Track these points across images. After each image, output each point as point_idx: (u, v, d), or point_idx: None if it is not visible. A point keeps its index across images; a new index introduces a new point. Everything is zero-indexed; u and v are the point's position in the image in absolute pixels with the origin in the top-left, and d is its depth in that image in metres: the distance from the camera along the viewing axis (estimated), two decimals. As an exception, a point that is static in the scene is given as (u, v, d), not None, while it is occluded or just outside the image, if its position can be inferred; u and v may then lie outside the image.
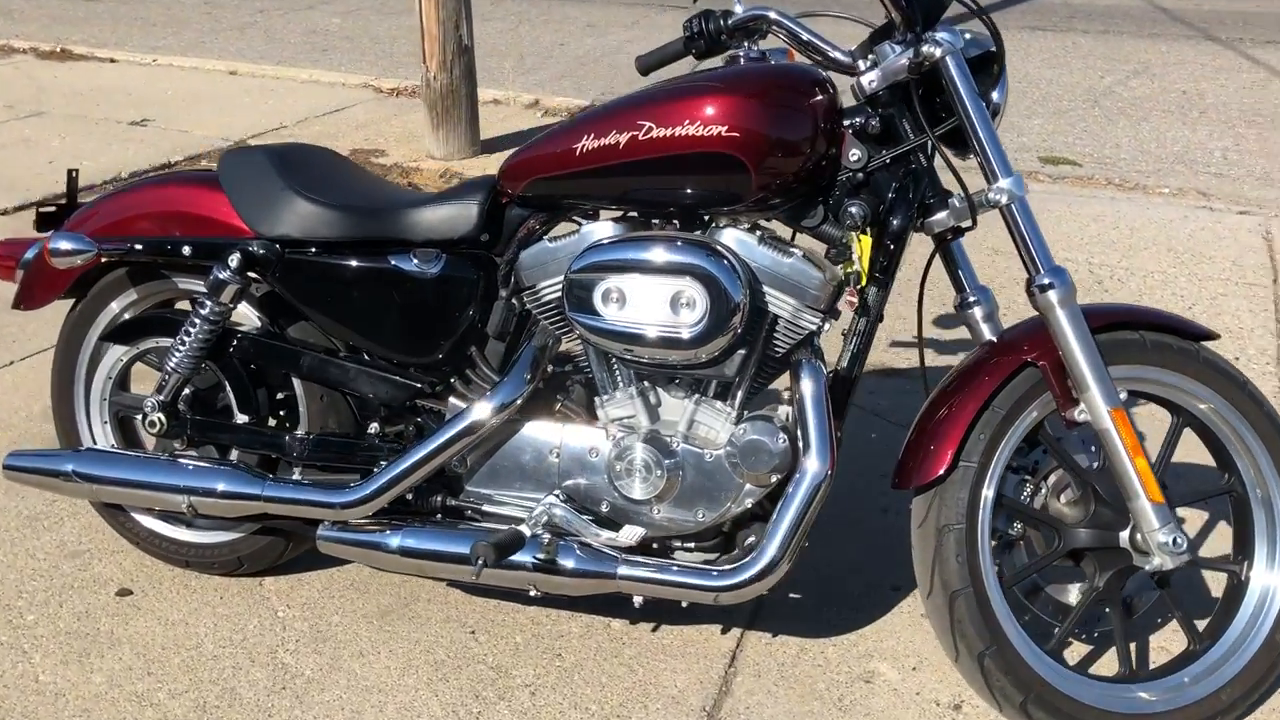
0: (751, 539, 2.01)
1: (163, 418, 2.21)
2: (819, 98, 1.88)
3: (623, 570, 1.97)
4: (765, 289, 1.91)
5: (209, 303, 2.16)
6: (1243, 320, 3.74)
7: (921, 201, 1.94)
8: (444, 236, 2.09)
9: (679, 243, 1.91)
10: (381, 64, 7.54)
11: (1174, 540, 1.84)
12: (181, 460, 2.20)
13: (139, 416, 2.26)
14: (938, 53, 1.85)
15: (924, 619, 2.34)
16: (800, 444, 1.92)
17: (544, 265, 2.03)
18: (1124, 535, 1.90)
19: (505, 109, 6.12)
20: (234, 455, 2.27)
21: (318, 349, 2.21)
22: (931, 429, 1.91)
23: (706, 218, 1.99)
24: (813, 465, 1.90)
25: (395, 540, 2.06)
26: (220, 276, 2.14)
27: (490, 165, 5.25)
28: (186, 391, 2.24)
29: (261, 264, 2.13)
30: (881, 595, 2.39)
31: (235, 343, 2.21)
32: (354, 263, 2.11)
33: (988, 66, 1.91)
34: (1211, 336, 1.96)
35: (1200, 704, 1.92)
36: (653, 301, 1.90)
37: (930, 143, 1.91)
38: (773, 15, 2.07)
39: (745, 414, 2.00)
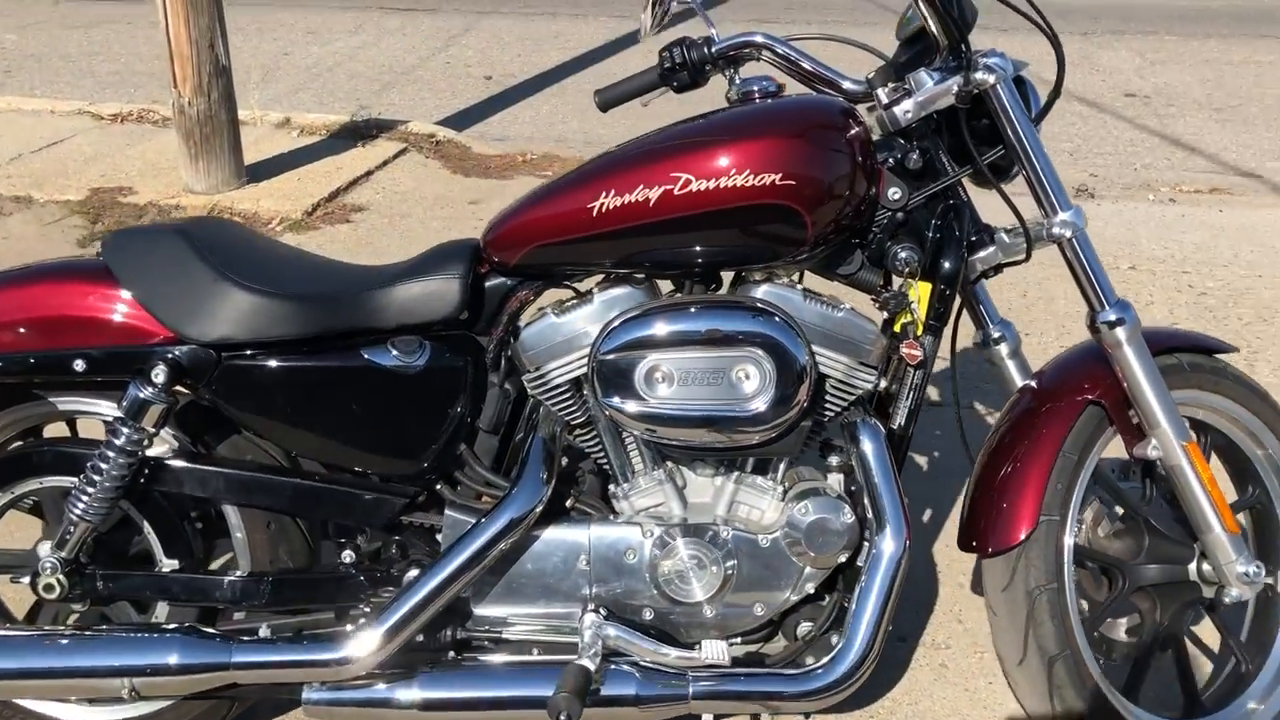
0: (807, 627, 1.81)
1: (63, 579, 1.74)
2: (856, 131, 1.70)
3: (696, 688, 1.71)
4: (818, 349, 1.70)
5: (125, 430, 1.70)
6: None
7: (966, 239, 1.80)
8: (420, 320, 1.74)
9: (730, 306, 1.67)
10: (86, 85, 6.67)
11: (1251, 570, 1.80)
12: (114, 633, 1.72)
13: (25, 579, 1.77)
14: (991, 79, 1.70)
15: (943, 669, 2.23)
16: (869, 516, 1.74)
17: (553, 344, 1.74)
18: (1192, 568, 1.85)
19: (254, 130, 5.53)
20: (159, 613, 1.83)
21: (268, 469, 1.81)
22: (1003, 486, 1.77)
23: (733, 275, 1.77)
24: (889, 543, 1.71)
25: (413, 693, 1.69)
26: (141, 396, 1.69)
27: (262, 196, 4.72)
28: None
29: (193, 375, 1.70)
30: (890, 648, 2.25)
31: (157, 472, 1.76)
32: (318, 362, 1.72)
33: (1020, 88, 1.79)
34: (1231, 350, 1.95)
35: None
36: (710, 377, 1.65)
37: (978, 174, 1.78)
38: (762, 40, 1.86)
39: (790, 488, 1.79)
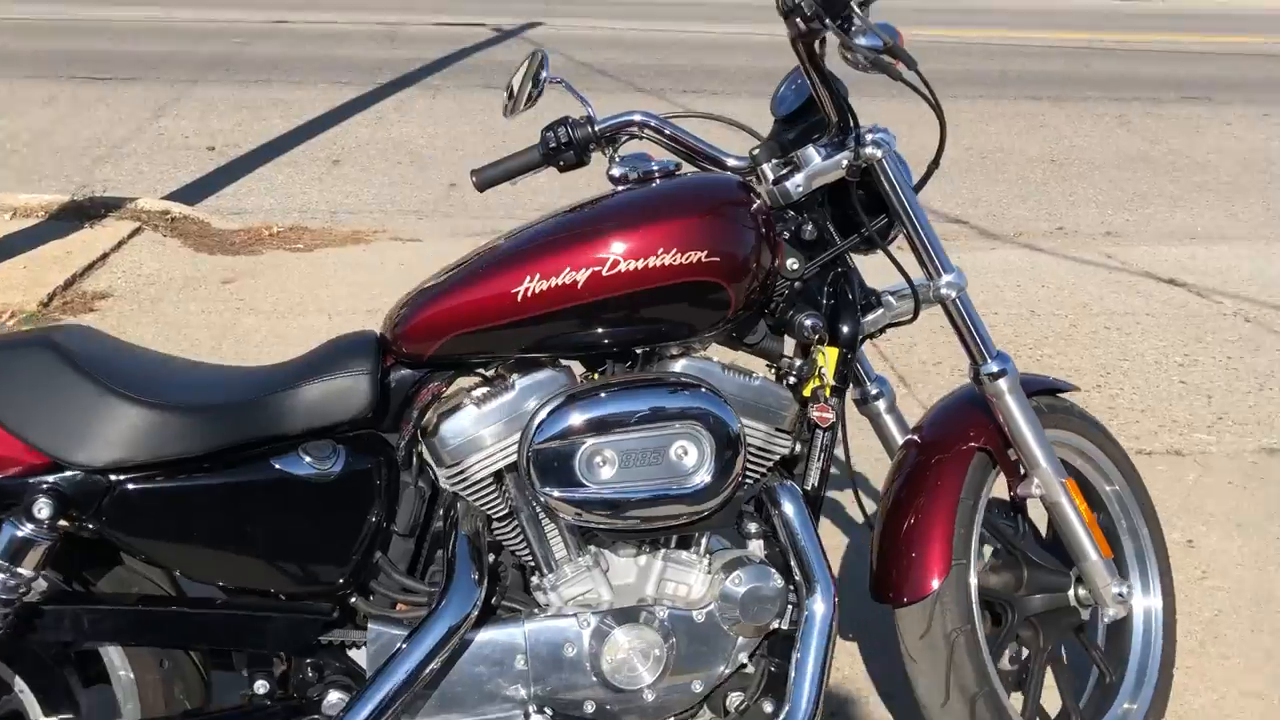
0: (738, 697, 1.81)
1: None
2: (759, 205, 1.74)
3: (646, 777, 1.67)
4: (741, 418, 1.72)
5: (1, 576, 1.48)
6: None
7: (858, 303, 1.88)
8: (329, 422, 1.62)
9: (659, 384, 1.66)
10: None
11: (1124, 590, 1.96)
12: None
13: None
14: (879, 153, 1.79)
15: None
16: (796, 579, 1.77)
17: (474, 437, 1.66)
18: (1071, 594, 2.00)
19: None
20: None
21: (160, 600, 1.62)
22: (910, 537, 1.85)
23: (643, 351, 1.76)
24: (820, 604, 1.74)
25: None
26: (21, 534, 1.47)
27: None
28: None
29: (79, 505, 1.51)
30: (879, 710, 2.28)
31: (28, 619, 1.53)
32: (226, 478, 1.56)
33: None
34: (1075, 389, 2.13)
35: None
36: (651, 456, 1.62)
37: (865, 241, 1.86)
38: (643, 119, 1.89)
39: (713, 559, 1.80)
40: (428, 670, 1.60)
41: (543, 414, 1.63)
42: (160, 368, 1.65)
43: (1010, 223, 6.03)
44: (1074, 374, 3.86)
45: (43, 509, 1.49)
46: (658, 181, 1.77)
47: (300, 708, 1.66)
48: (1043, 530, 2.08)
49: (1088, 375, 3.91)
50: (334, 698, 1.64)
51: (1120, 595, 1.95)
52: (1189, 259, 5.30)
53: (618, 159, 1.87)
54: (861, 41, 1.67)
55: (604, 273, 1.62)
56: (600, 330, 1.67)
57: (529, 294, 1.62)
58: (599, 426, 1.62)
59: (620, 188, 1.82)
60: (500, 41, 10.71)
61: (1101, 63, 10.60)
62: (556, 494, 1.62)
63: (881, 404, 2.01)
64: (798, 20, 1.64)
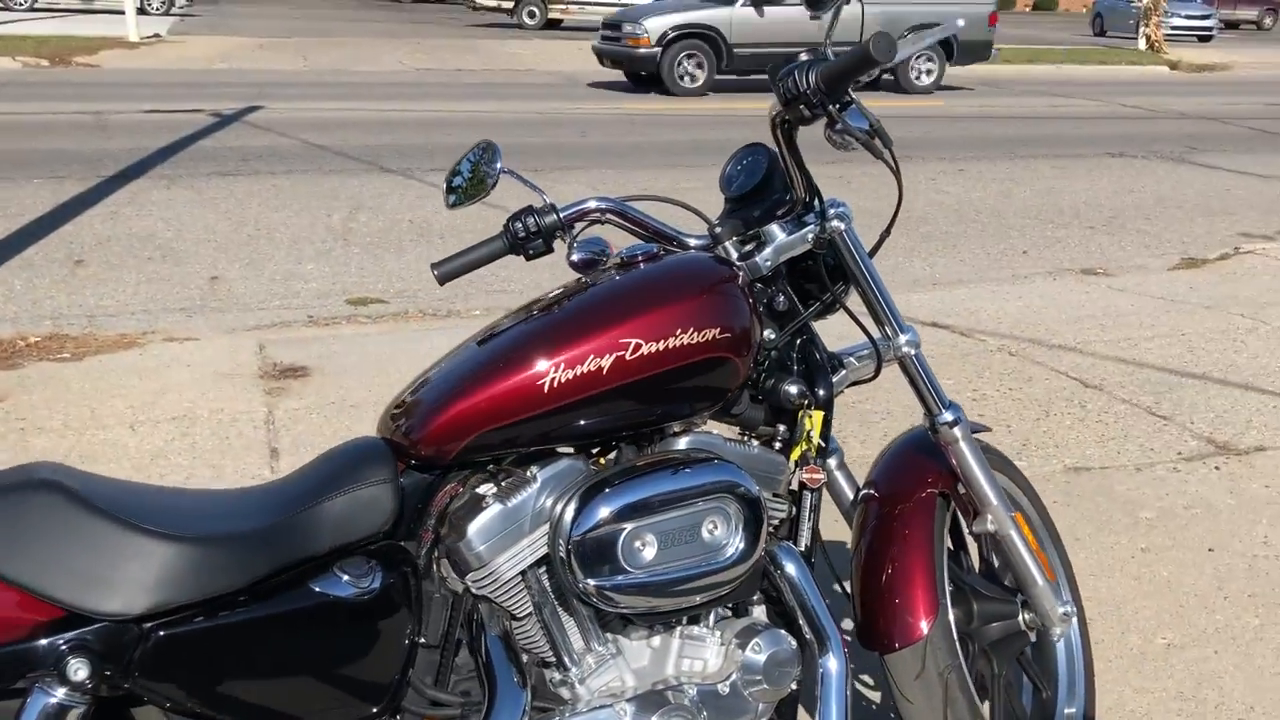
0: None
1: None
2: (742, 280, 1.81)
3: None
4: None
5: None
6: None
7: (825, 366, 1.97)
8: (355, 537, 1.53)
9: (681, 463, 1.68)
10: None
11: (1069, 609, 2.14)
12: None
13: None
14: (842, 226, 1.90)
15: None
16: (807, 638, 1.82)
17: (503, 536, 1.61)
18: (1020, 619, 2.15)
19: None
20: None
21: None
22: (892, 586, 1.93)
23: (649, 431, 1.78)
24: (833, 661, 1.80)
25: None
26: (55, 701, 1.30)
27: None
28: None
29: (112, 660, 1.35)
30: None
31: None
32: (269, 610, 1.43)
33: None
34: (988, 429, 2.31)
35: None
36: (687, 534, 1.64)
37: (826, 307, 1.95)
38: (605, 205, 1.92)
39: (724, 631, 1.82)
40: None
41: (575, 505, 1.61)
42: (166, 498, 1.51)
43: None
44: (887, 416, 4.15)
45: (78, 670, 1.32)
46: (643, 265, 1.80)
47: None
48: (975, 563, 2.24)
49: (899, 418, 4.21)
50: None
51: (1066, 614, 2.12)
52: (940, 303, 5.79)
53: (576, 244, 1.89)
54: (852, 123, 1.77)
55: (627, 356, 1.63)
56: (622, 413, 1.68)
57: (555, 384, 1.61)
58: (635, 511, 1.62)
59: (591, 273, 1.84)
60: (223, 127, 10.31)
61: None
62: (599, 583, 1.60)
63: (833, 461, 2.10)
64: (800, 106, 1.73)
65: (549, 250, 1.89)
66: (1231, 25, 31.05)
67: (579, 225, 1.92)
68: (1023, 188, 8.96)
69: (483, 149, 1.93)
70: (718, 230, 1.93)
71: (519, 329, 1.70)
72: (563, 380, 1.61)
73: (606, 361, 1.63)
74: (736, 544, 1.67)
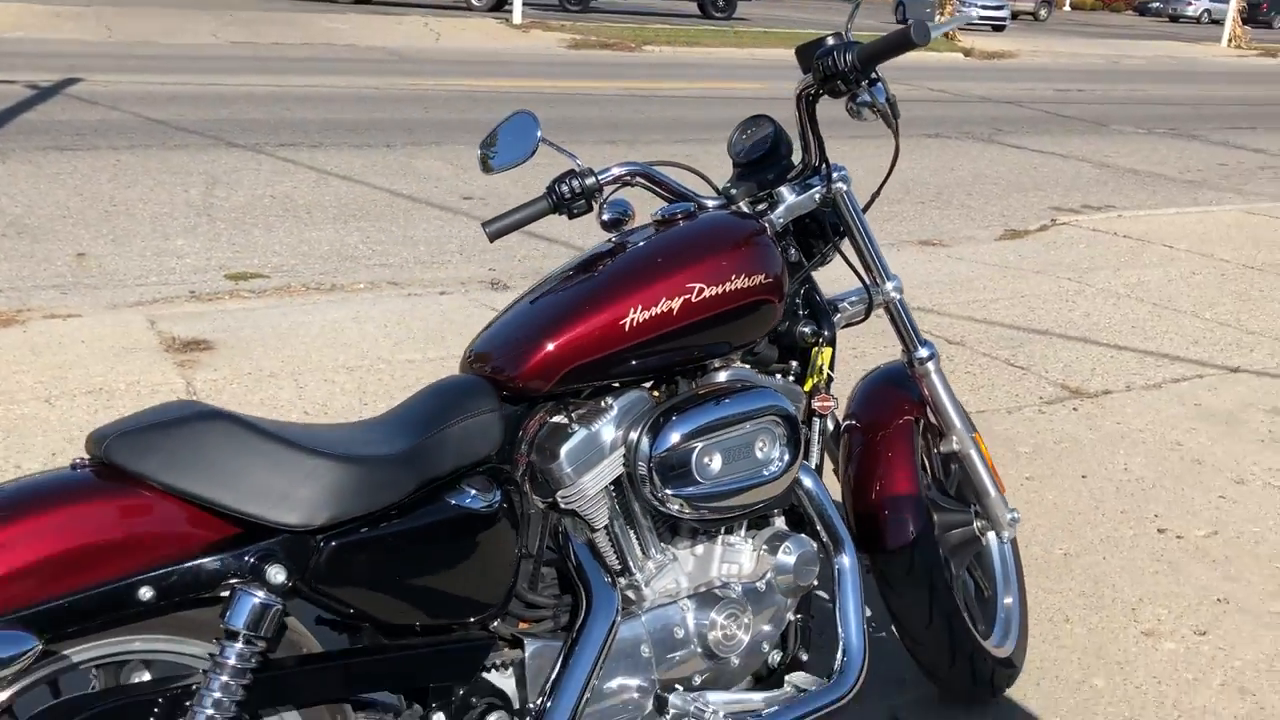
0: (778, 655, 2.12)
1: None
2: (771, 235, 2.07)
3: (777, 725, 1.93)
4: None
5: (241, 646, 1.45)
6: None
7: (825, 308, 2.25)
8: (470, 460, 1.72)
9: (734, 391, 1.93)
10: None
11: (1015, 515, 2.50)
12: None
13: None
14: (845, 187, 2.19)
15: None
16: (824, 542, 2.11)
17: (589, 458, 1.83)
18: (975, 527, 2.49)
19: None
20: None
21: (358, 652, 1.62)
22: (883, 498, 2.23)
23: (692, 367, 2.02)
24: (846, 559, 2.10)
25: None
26: (259, 601, 1.45)
27: None
28: None
29: (297, 567, 1.51)
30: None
31: (267, 688, 1.51)
32: (415, 522, 1.61)
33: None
34: None
35: (1025, 629, 2.61)
36: (743, 451, 1.89)
37: (835, 254, 2.24)
38: (628, 169, 2.14)
39: (754, 538, 2.09)
40: (598, 671, 1.76)
41: (652, 429, 1.84)
42: (311, 429, 1.65)
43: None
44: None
45: (277, 574, 1.48)
46: (683, 223, 2.03)
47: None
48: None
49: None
50: (536, 704, 1.74)
51: (1013, 520, 2.49)
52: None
53: (605, 205, 2.12)
54: (878, 98, 2.06)
55: (693, 299, 1.88)
56: (684, 349, 1.91)
57: (634, 323, 1.84)
58: (702, 432, 1.86)
59: (617, 231, 2.06)
60: (45, 100, 9.83)
61: (653, 109, 11.77)
62: (675, 493, 1.84)
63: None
64: (838, 82, 2.00)
65: (590, 210, 2.10)
66: (1013, 15, 33.28)
67: (609, 188, 2.15)
68: (853, 165, 9.51)
69: (521, 118, 2.12)
70: (732, 191, 2.19)
71: (594, 279, 1.91)
72: (640, 320, 1.84)
73: (676, 303, 1.87)
74: (782, 458, 1.95)
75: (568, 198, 2.07)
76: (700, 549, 2.03)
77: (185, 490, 1.47)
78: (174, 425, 1.50)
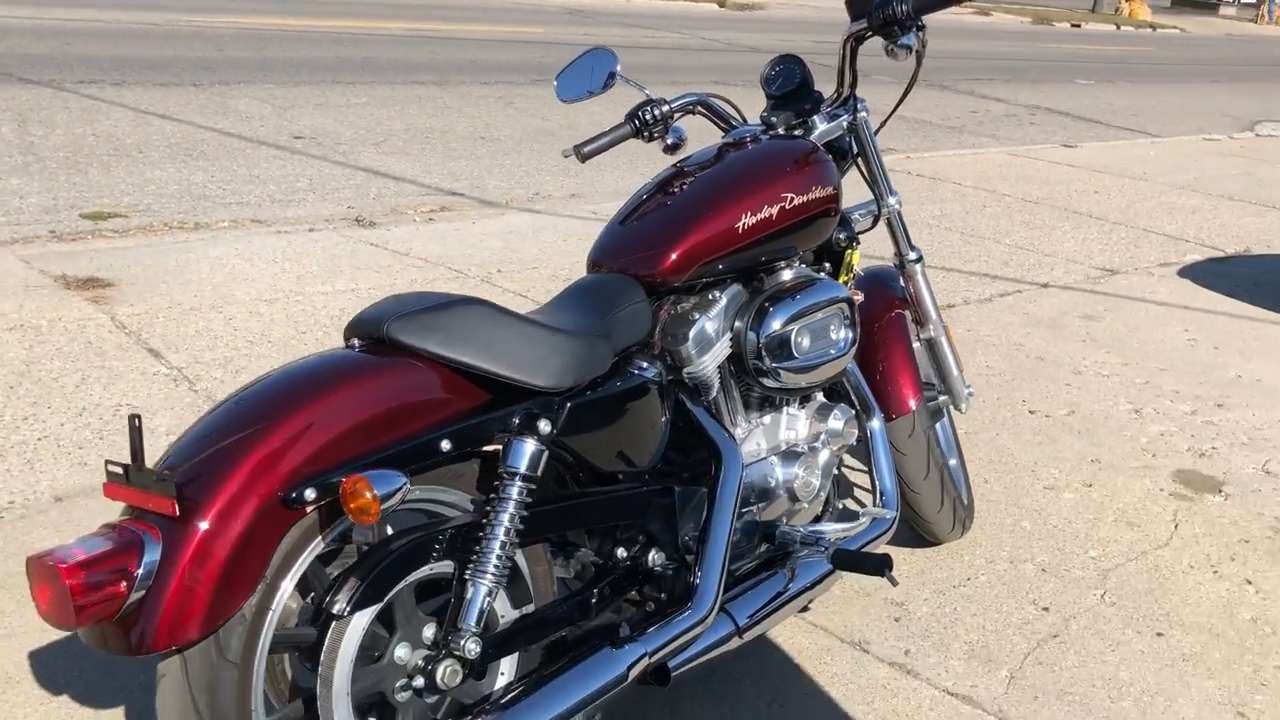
0: (823, 500, 2.56)
1: (479, 645, 1.72)
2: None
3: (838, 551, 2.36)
4: None
5: (520, 484, 1.74)
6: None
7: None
8: (633, 341, 2.05)
9: (812, 283, 2.33)
10: None
11: (970, 391, 3.02)
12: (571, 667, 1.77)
13: (435, 664, 1.69)
14: (866, 115, 2.61)
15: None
16: (857, 409, 2.57)
17: (707, 340, 2.18)
18: (941, 399, 3.00)
19: None
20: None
21: (593, 493, 1.96)
22: (887, 377, 2.69)
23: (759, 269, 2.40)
24: (876, 422, 2.57)
25: (730, 624, 2.08)
26: (534, 448, 1.75)
27: None
28: None
29: (551, 420, 1.82)
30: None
31: (533, 521, 1.81)
32: (618, 388, 1.94)
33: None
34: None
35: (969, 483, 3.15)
36: (824, 332, 2.29)
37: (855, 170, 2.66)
38: (695, 99, 2.50)
39: (808, 408, 2.50)
40: (739, 511, 2.15)
41: (760, 315, 2.22)
42: (530, 313, 1.94)
43: (493, 191, 6.90)
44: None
45: (545, 426, 1.77)
46: (751, 145, 2.40)
47: (636, 567, 2.08)
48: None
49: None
50: (656, 555, 2.09)
51: (969, 394, 3.02)
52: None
53: (670, 131, 2.48)
54: (908, 42, 2.48)
55: (786, 206, 2.26)
56: (774, 250, 2.28)
57: (745, 227, 2.20)
58: (796, 318, 2.26)
59: (677, 154, 2.43)
60: None
61: (447, 51, 11.82)
62: (779, 367, 2.23)
63: None
64: (894, 26, 2.40)
65: (665, 133, 2.45)
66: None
67: (678, 115, 2.50)
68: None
69: (599, 55, 2.45)
70: (773, 120, 2.57)
71: (705, 190, 2.23)
72: (749, 224, 2.21)
73: (775, 210, 2.25)
74: (849, 337, 2.37)
75: (649, 123, 2.40)
76: (768, 418, 2.43)
77: (461, 361, 1.74)
78: (444, 308, 1.76)
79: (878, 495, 2.57)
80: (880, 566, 2.19)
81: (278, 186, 6.51)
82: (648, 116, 2.41)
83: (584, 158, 2.42)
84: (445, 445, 1.70)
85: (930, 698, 2.40)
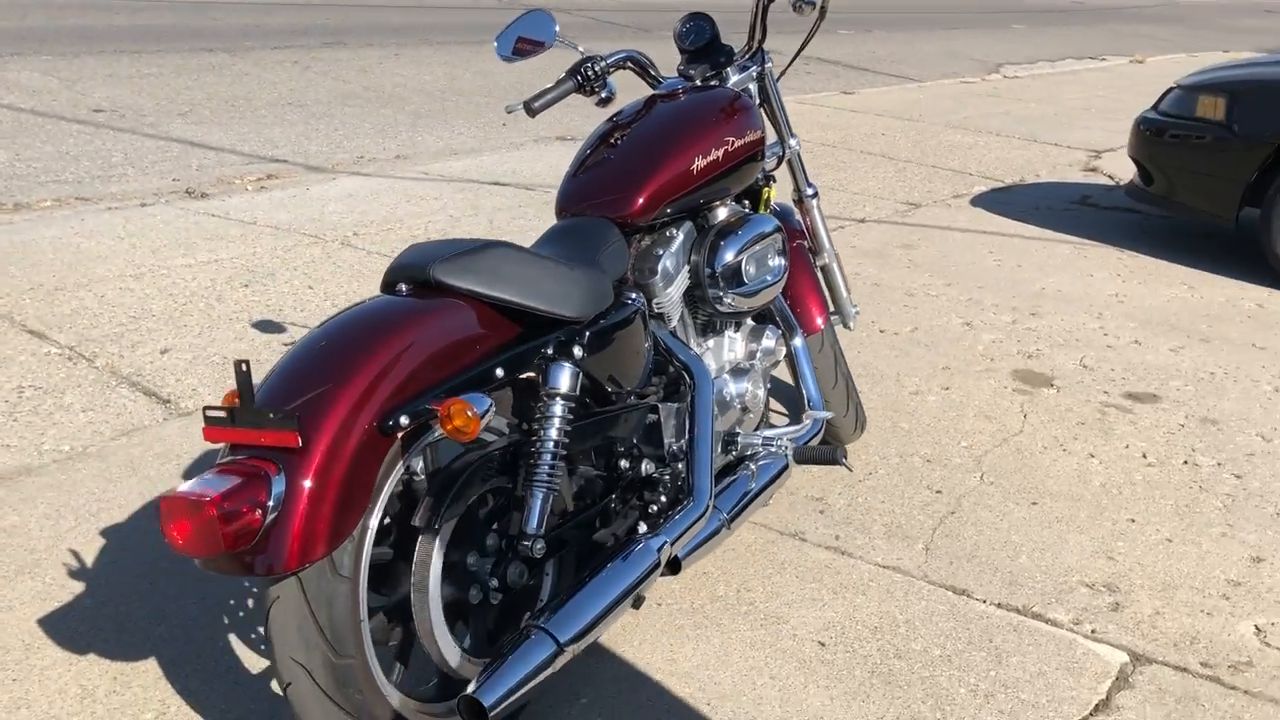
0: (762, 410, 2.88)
1: (544, 546, 1.94)
2: None
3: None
4: None
5: (563, 401, 1.95)
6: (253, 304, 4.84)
7: (760, 157, 2.96)
8: (619, 274, 2.30)
9: (754, 217, 2.62)
10: None
11: (856, 311, 3.39)
12: (611, 562, 2.00)
13: (505, 566, 1.90)
14: (771, 66, 2.90)
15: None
16: (782, 330, 2.89)
17: (669, 273, 2.44)
18: (832, 317, 3.36)
19: None
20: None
21: (603, 411, 2.17)
22: (795, 299, 3.02)
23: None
24: (799, 341, 2.90)
25: (722, 516, 2.36)
26: (572, 370, 1.96)
27: None
28: None
29: (581, 346, 2.04)
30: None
31: (571, 434, 2.01)
32: (620, 316, 2.16)
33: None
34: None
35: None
36: (765, 258, 2.59)
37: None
38: (625, 56, 2.74)
39: (743, 330, 2.80)
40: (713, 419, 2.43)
41: (712, 248, 2.50)
42: (538, 255, 2.14)
43: (316, 157, 6.87)
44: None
45: (579, 350, 1.98)
46: (684, 96, 2.66)
47: (636, 476, 2.33)
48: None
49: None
50: (649, 464, 2.35)
51: (856, 313, 3.40)
52: (479, 167, 6.78)
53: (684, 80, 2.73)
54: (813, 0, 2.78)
55: (729, 149, 2.53)
56: (718, 189, 2.55)
57: (698, 169, 2.46)
58: (745, 248, 2.55)
59: (607, 106, 2.68)
60: None
61: (226, 16, 11.41)
62: (733, 291, 2.52)
63: None
64: None
65: (604, 87, 2.68)
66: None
67: (611, 71, 2.73)
68: (460, 70, 10.07)
69: (537, 17, 2.65)
70: (690, 72, 2.84)
71: (657, 137, 2.47)
72: (701, 166, 2.47)
73: (720, 153, 2.52)
74: (783, 264, 2.68)
75: (590, 79, 2.63)
76: (712, 341, 2.71)
77: (501, 298, 1.94)
78: (480, 251, 1.95)
79: (806, 401, 2.91)
80: (835, 457, 2.53)
81: (92, 162, 6.29)
82: (589, 72, 2.63)
83: (533, 112, 2.62)
84: (499, 373, 1.90)
85: (868, 571, 2.76)
